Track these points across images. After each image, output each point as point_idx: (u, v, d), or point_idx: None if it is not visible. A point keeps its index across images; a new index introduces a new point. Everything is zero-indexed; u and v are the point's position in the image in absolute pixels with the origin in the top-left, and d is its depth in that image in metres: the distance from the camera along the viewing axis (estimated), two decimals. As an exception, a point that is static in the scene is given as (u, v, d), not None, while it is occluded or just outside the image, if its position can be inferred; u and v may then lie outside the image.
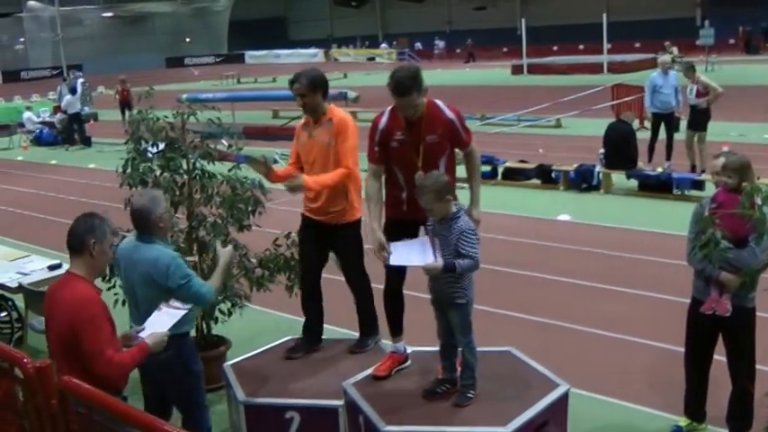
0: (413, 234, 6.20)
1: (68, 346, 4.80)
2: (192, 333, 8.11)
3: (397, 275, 6.28)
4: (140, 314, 5.63)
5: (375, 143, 6.37)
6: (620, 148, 16.00)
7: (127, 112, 28.43)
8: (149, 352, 5.13)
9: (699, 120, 16.79)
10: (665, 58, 18.85)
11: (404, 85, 5.99)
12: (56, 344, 4.93)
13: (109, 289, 7.57)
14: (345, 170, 6.75)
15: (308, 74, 6.86)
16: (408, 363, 6.56)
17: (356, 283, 7.20)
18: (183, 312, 5.49)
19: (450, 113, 6.28)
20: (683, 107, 17.35)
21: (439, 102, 6.31)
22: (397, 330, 6.56)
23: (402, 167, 6.31)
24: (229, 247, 6.26)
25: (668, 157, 17.32)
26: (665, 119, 17.36)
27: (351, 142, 6.80)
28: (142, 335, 5.24)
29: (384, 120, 6.35)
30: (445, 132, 6.22)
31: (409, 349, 6.67)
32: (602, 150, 16.55)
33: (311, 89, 6.80)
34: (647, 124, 21.09)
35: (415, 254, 5.79)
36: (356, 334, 7.30)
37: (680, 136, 17.45)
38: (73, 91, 29.92)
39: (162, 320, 5.39)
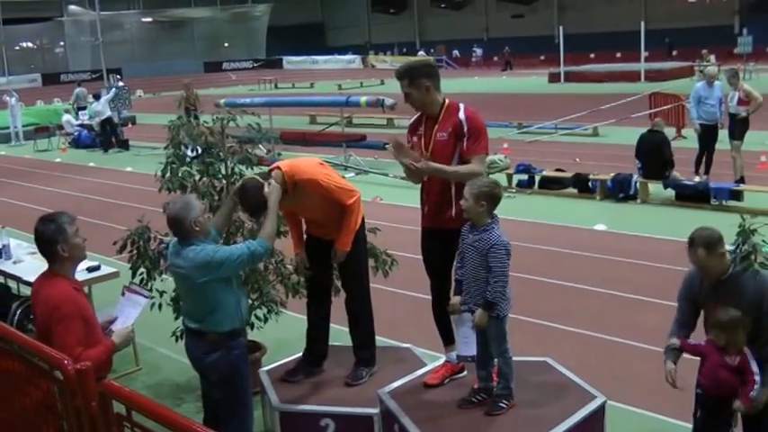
0: (438, 244, 6.30)
1: (45, 341, 4.97)
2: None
3: (443, 284, 6.26)
4: (197, 311, 5.83)
5: (407, 139, 6.66)
6: (653, 158, 15.88)
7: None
8: (116, 350, 5.41)
9: (736, 128, 16.66)
10: (711, 69, 18.33)
11: (398, 70, 6.49)
12: (38, 337, 5.16)
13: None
14: (349, 206, 6.55)
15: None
16: (464, 373, 6.47)
17: (355, 303, 6.88)
18: (146, 301, 5.79)
19: (463, 115, 6.31)
20: (723, 117, 17.09)
21: (461, 104, 6.42)
22: (450, 339, 6.50)
23: None
24: (274, 184, 6.12)
25: (707, 171, 17.03)
26: (711, 130, 16.98)
27: (334, 181, 6.58)
28: (114, 326, 5.54)
29: (414, 116, 6.65)
30: (453, 132, 6.27)
31: (442, 359, 6.66)
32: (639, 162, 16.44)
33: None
34: (684, 133, 20.92)
35: (469, 333, 5.83)
36: (393, 342, 7.25)
37: (719, 146, 17.29)
38: (97, 97, 30.37)
39: (128, 312, 5.65)
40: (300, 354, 7.17)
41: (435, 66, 6.76)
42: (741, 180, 16.11)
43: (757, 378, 5.46)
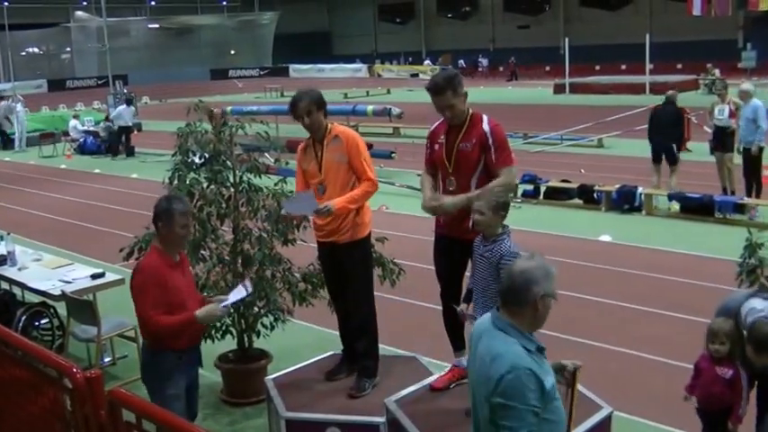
0: (451, 252, 6.31)
1: None
2: (234, 346, 8.18)
3: (453, 292, 6.27)
4: None
5: (426, 145, 6.60)
6: (669, 130, 15.96)
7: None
8: (195, 321, 5.71)
9: (727, 141, 16.39)
10: (746, 86, 16.83)
11: (438, 84, 6.21)
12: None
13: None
14: (370, 181, 6.61)
15: (310, 93, 6.70)
16: None
17: (360, 312, 6.84)
18: (245, 293, 6.15)
19: (487, 126, 6.27)
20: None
21: (485, 115, 6.37)
22: (458, 344, 6.53)
23: (440, 171, 6.44)
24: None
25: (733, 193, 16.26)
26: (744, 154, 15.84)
27: (367, 153, 6.71)
28: (224, 304, 5.92)
29: (436, 123, 6.56)
30: (477, 143, 6.23)
31: (448, 367, 6.64)
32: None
33: (315, 107, 6.64)
34: (689, 146, 20.76)
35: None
36: (400, 351, 7.24)
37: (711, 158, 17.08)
38: (129, 102, 30.50)
39: (233, 295, 6.10)
40: (305, 361, 7.17)
41: None
42: (732, 193, 16.03)
43: (745, 395, 5.50)
